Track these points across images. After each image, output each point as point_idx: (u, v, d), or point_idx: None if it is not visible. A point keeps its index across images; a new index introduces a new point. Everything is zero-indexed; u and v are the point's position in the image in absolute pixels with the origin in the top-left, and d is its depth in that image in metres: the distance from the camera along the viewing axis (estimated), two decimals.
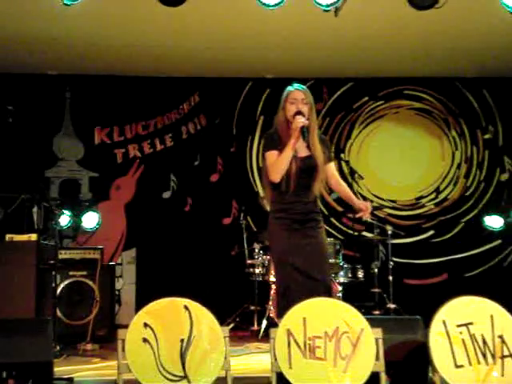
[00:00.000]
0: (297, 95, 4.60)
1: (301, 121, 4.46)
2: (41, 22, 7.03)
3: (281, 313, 4.19)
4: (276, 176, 4.50)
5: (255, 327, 7.58)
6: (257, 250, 7.65)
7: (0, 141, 7.92)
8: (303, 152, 4.59)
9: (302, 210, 4.54)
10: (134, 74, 8.67)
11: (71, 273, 6.90)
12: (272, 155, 4.55)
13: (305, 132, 4.46)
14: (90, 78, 8.70)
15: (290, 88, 4.66)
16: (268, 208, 4.73)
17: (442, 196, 9.02)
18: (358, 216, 4.71)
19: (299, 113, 4.51)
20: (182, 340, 3.90)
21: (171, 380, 3.83)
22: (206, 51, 7.90)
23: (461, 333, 4.08)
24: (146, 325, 3.90)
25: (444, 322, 4.08)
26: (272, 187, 4.60)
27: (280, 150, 4.50)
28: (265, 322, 7.16)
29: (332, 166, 4.78)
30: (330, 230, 8.48)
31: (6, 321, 4.63)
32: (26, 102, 8.33)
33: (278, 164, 4.49)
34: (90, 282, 6.87)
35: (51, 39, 7.47)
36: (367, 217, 4.71)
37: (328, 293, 4.46)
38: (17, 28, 7.19)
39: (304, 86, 4.69)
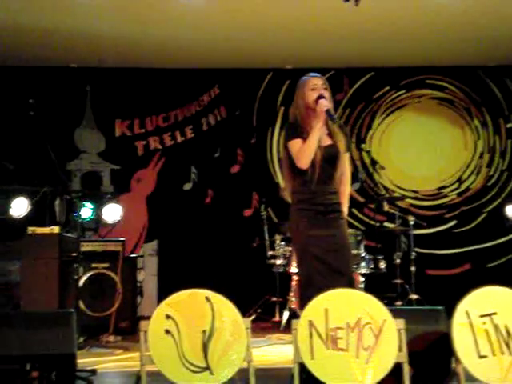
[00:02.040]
0: (316, 81, 4.55)
1: (325, 104, 4.42)
2: (62, 15, 7.07)
3: (303, 304, 4.17)
4: (305, 162, 4.44)
5: (277, 318, 7.59)
6: (278, 242, 7.64)
7: (22, 134, 7.99)
8: (326, 141, 4.55)
9: (324, 200, 4.50)
10: (154, 67, 8.69)
11: (93, 265, 6.94)
12: (296, 143, 4.49)
13: (332, 115, 4.40)
14: (111, 70, 8.73)
15: (306, 77, 4.62)
16: (289, 199, 4.70)
17: (464, 186, 8.96)
18: None
19: (321, 97, 4.47)
20: (204, 331, 3.90)
21: (193, 371, 3.84)
22: (226, 43, 7.90)
23: (484, 323, 4.04)
24: (168, 316, 3.90)
25: (467, 313, 4.04)
26: (295, 176, 4.56)
27: (304, 139, 4.46)
28: (286, 314, 7.16)
29: (346, 157, 4.68)
30: (352, 220, 8.46)
31: (30, 313, 4.65)
32: (48, 95, 8.38)
33: (307, 149, 4.43)
34: (112, 274, 6.90)
35: (72, 32, 7.50)
36: None
37: (351, 284, 4.44)
38: (38, 21, 7.23)
39: (320, 75, 4.65)
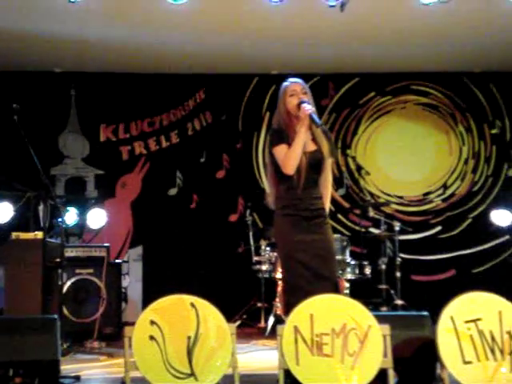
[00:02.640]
0: (295, 87, 4.57)
1: (308, 108, 4.42)
2: (46, 20, 7.05)
3: (288, 310, 4.17)
4: (291, 168, 4.44)
5: (262, 324, 7.58)
6: (263, 247, 7.64)
7: (5, 139, 7.95)
8: (310, 146, 4.55)
9: (309, 205, 4.50)
10: (139, 71, 8.67)
11: (77, 271, 6.90)
12: (282, 149, 4.49)
13: (315, 118, 4.40)
14: (96, 75, 8.70)
15: (286, 83, 4.63)
16: (273, 206, 4.69)
17: (449, 191, 8.99)
18: None
19: (303, 102, 4.48)
20: (189, 337, 3.90)
21: (178, 377, 3.83)
22: (212, 48, 7.89)
23: (469, 329, 4.06)
24: (152, 322, 3.89)
25: (452, 318, 4.06)
26: (280, 182, 4.56)
27: (289, 144, 4.46)
28: (272, 319, 7.15)
29: (329, 162, 4.68)
30: (337, 226, 8.47)
31: (13, 319, 4.64)
32: (32, 99, 8.32)
33: (292, 154, 4.43)
34: (97, 280, 6.86)
35: (56, 36, 7.47)
36: None
37: (335, 290, 4.44)
38: (21, 26, 7.20)
39: (300, 80, 4.66)
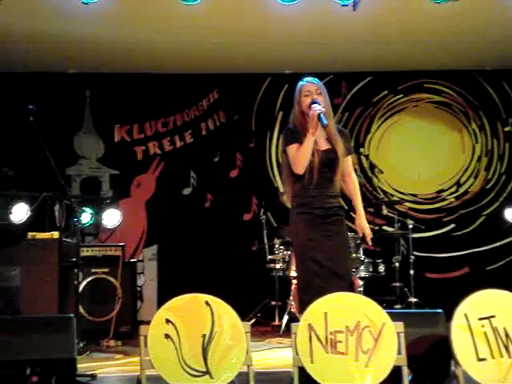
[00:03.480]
0: (310, 87, 4.62)
1: (317, 108, 4.46)
2: (60, 21, 7.07)
3: (302, 308, 4.20)
4: (300, 167, 4.50)
5: (276, 322, 7.60)
6: (277, 246, 7.65)
7: (21, 140, 8.00)
8: (324, 145, 4.59)
9: (323, 204, 4.53)
10: (152, 72, 8.70)
11: (93, 270, 6.94)
12: (293, 148, 4.55)
13: (322, 118, 4.43)
14: (110, 76, 8.74)
15: (301, 82, 4.68)
16: (289, 204, 4.73)
17: (462, 189, 8.98)
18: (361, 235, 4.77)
19: (314, 102, 4.51)
20: (204, 335, 3.92)
21: (193, 375, 3.85)
22: (225, 47, 7.92)
23: (483, 326, 4.07)
24: (167, 321, 3.92)
25: (466, 316, 4.07)
26: (294, 181, 4.61)
27: (301, 143, 4.50)
28: (286, 317, 7.17)
29: (348, 160, 4.75)
30: (351, 224, 8.44)
31: (30, 318, 4.68)
32: (47, 100, 8.37)
33: (301, 154, 4.48)
34: (112, 279, 6.91)
35: (70, 38, 7.51)
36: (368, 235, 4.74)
37: (350, 288, 4.47)
38: (36, 27, 7.24)
39: (316, 79, 4.70)
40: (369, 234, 4.71)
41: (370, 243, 4.80)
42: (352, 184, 4.75)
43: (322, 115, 4.43)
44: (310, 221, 4.52)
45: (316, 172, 4.51)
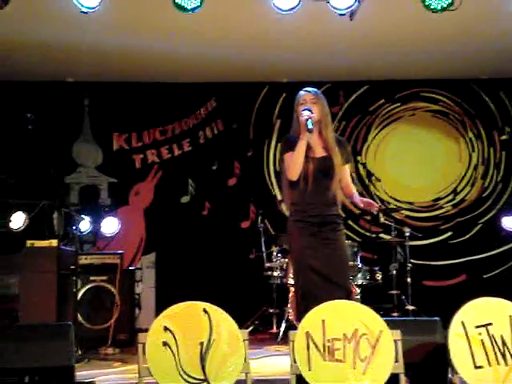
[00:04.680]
0: (306, 96, 4.70)
1: (305, 114, 4.53)
2: (59, 30, 7.09)
3: (300, 315, 4.21)
4: (293, 173, 4.55)
5: (274, 330, 7.60)
6: (275, 253, 7.66)
7: (20, 148, 8.02)
8: (320, 152, 4.63)
9: (320, 212, 4.56)
10: (151, 80, 8.72)
11: (92, 278, 6.95)
12: (289, 155, 4.61)
13: (308, 124, 4.49)
14: (108, 84, 8.77)
15: (300, 92, 4.75)
16: (287, 212, 4.77)
17: (459, 197, 9.00)
18: (371, 210, 4.78)
19: (305, 109, 4.58)
20: (202, 343, 3.93)
21: (191, 383, 3.87)
22: (222, 56, 7.95)
23: (480, 334, 4.08)
24: (166, 328, 3.93)
25: (463, 323, 4.08)
26: (291, 188, 4.64)
27: None
28: (284, 325, 7.16)
29: (345, 169, 4.79)
30: (348, 232, 8.49)
31: (28, 326, 4.68)
32: (45, 109, 8.39)
33: (293, 160, 4.54)
34: (111, 287, 6.92)
35: (69, 47, 7.54)
36: (376, 210, 4.78)
37: (347, 296, 4.48)
38: (35, 36, 7.25)
39: (314, 89, 4.76)
40: (375, 204, 4.74)
41: (379, 213, 4.82)
42: (348, 192, 4.79)
43: (309, 121, 4.49)
44: (306, 228, 4.55)
45: (311, 179, 4.55)
